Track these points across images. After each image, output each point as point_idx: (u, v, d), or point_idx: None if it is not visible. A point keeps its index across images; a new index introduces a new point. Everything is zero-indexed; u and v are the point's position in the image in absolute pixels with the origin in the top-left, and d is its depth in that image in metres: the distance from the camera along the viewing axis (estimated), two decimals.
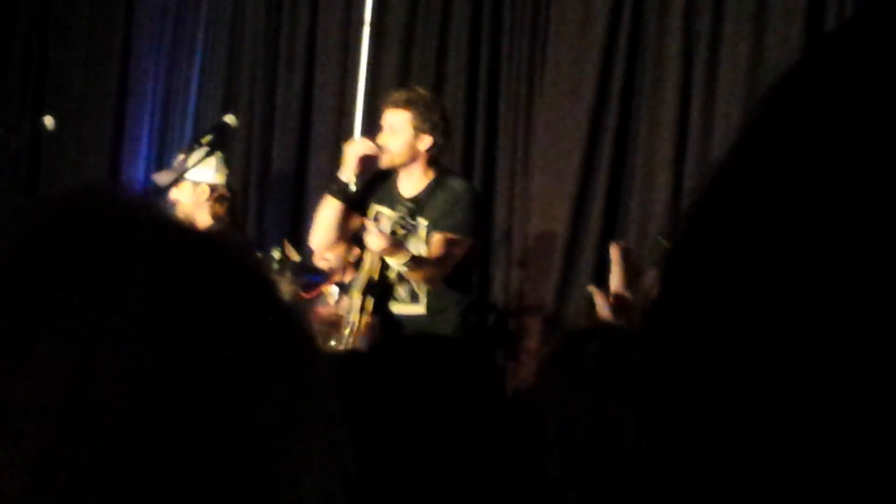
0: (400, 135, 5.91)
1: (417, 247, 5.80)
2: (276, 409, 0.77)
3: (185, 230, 0.82)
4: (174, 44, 8.93)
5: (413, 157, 5.94)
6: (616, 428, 2.27)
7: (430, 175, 5.96)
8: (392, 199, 6.00)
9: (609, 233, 6.98)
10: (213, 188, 6.56)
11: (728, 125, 6.61)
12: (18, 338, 0.73)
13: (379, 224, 5.69)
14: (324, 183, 7.84)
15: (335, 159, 7.92)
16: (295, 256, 6.71)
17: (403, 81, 7.75)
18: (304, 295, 6.63)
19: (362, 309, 5.95)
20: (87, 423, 0.72)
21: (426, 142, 5.90)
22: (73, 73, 9.29)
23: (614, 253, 4.77)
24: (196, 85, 8.73)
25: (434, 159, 5.98)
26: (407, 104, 5.95)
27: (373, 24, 7.97)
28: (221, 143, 6.53)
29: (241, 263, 0.82)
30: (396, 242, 5.65)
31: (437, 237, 5.81)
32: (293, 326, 0.82)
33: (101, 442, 0.72)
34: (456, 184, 6.00)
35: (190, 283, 0.78)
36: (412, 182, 5.99)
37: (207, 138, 6.41)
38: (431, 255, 5.83)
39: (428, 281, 5.88)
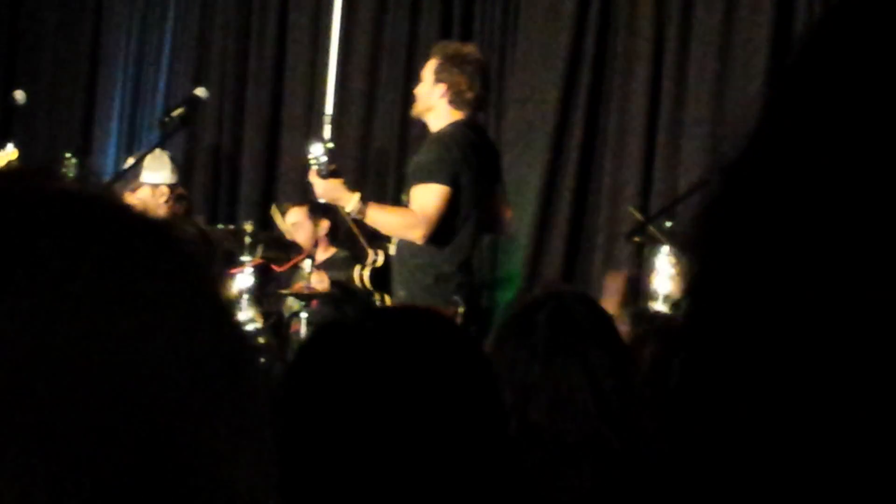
0: (423, 83, 5.76)
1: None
2: (208, 408, 0.75)
3: (131, 214, 0.80)
4: (145, 17, 8.89)
5: (429, 107, 5.74)
6: (571, 401, 2.26)
7: (442, 126, 5.69)
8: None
9: (581, 202, 7.00)
10: (172, 188, 6.55)
11: (699, 97, 6.63)
12: None
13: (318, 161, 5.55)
14: (294, 157, 7.85)
15: (307, 133, 7.92)
16: (280, 221, 6.68)
17: (375, 55, 7.75)
18: (276, 268, 6.63)
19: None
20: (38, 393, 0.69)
21: (439, 90, 5.66)
22: (44, 48, 9.24)
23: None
24: (167, 58, 8.70)
25: (457, 111, 5.67)
26: (434, 53, 5.78)
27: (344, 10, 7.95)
28: (192, 116, 6.52)
29: (183, 253, 0.80)
30: (333, 185, 5.56)
31: (411, 190, 5.63)
32: (226, 325, 0.80)
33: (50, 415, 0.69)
34: (442, 131, 5.68)
35: (131, 269, 0.75)
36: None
37: (178, 111, 6.40)
38: (394, 208, 5.76)
39: (396, 234, 5.69)
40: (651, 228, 5.96)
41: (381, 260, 5.97)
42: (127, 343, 0.71)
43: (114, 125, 8.81)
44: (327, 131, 7.45)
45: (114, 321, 0.71)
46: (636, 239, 6.21)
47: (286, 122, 8.13)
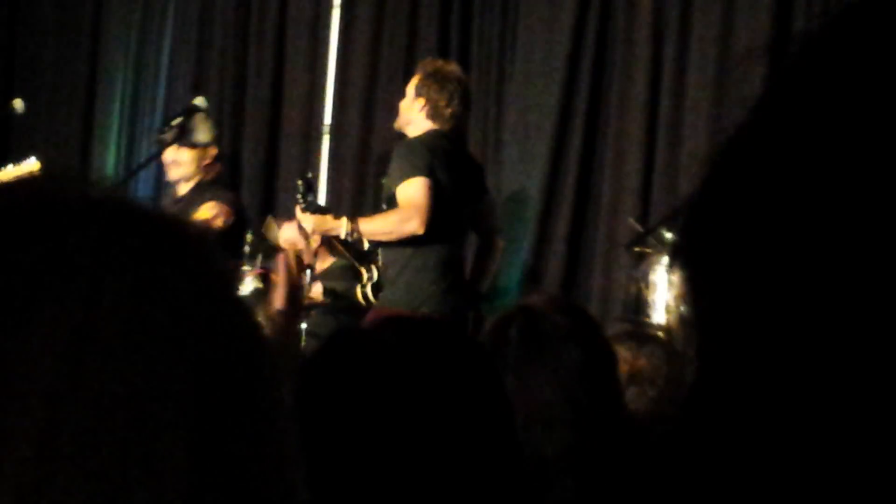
0: (406, 97, 5.99)
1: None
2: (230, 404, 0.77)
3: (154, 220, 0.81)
4: (144, 25, 8.88)
5: (409, 120, 5.96)
6: (546, 414, 2.25)
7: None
8: None
9: (580, 212, 6.99)
10: (213, 146, 6.61)
11: (698, 99, 6.62)
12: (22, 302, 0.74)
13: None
14: (294, 165, 7.84)
15: (305, 141, 7.92)
16: (274, 234, 6.68)
17: (373, 63, 7.74)
18: (276, 278, 6.61)
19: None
20: (86, 395, 0.73)
21: (419, 104, 5.88)
22: (43, 56, 9.23)
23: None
24: (166, 67, 8.70)
25: (434, 125, 5.87)
26: (417, 70, 6.06)
27: (343, 6, 7.95)
28: (191, 126, 6.53)
29: (203, 258, 0.82)
30: (321, 219, 5.75)
31: (396, 193, 5.75)
32: (243, 325, 0.81)
33: (99, 415, 0.73)
34: (411, 138, 5.91)
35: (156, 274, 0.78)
36: None
37: (177, 121, 6.43)
38: (383, 213, 5.86)
39: (395, 234, 5.74)
40: (651, 239, 5.95)
41: (375, 275, 6.07)
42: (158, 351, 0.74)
43: (112, 134, 8.80)
44: (326, 144, 7.48)
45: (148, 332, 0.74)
46: (636, 249, 6.20)
47: (285, 131, 8.12)
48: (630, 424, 2.44)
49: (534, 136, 7.13)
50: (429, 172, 5.67)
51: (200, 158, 6.48)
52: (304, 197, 5.78)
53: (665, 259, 5.84)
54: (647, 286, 6.06)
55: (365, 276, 6.13)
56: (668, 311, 5.81)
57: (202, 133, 6.47)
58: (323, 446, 1.60)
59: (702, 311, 0.69)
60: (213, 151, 6.59)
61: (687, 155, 6.66)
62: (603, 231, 6.92)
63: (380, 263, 5.99)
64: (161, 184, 8.25)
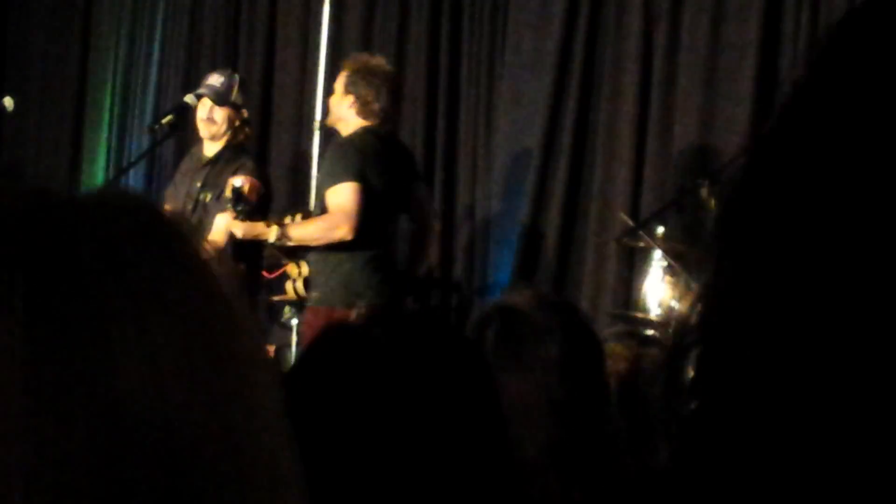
0: (335, 94, 6.05)
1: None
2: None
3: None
4: (134, 22, 8.87)
5: (339, 117, 6.03)
6: (526, 414, 2.23)
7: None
8: None
9: (571, 207, 6.99)
10: (245, 110, 6.62)
11: (688, 95, 6.63)
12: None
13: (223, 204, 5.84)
14: (285, 159, 7.84)
15: (297, 137, 7.91)
16: None
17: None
18: (267, 274, 6.61)
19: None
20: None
21: (348, 101, 5.95)
22: (33, 53, 9.22)
23: None
24: (156, 65, 8.69)
25: (364, 121, 5.95)
26: (344, 66, 6.10)
27: (332, 3, 7.94)
28: (182, 122, 6.52)
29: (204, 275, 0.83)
30: (249, 225, 5.82)
31: (325, 198, 5.85)
32: (238, 328, 0.82)
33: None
34: (341, 138, 6.02)
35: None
36: None
37: (168, 119, 6.41)
38: (312, 220, 5.96)
39: (324, 240, 5.84)
40: (641, 233, 5.95)
41: (305, 269, 6.21)
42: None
43: (103, 131, 8.79)
44: (317, 137, 7.47)
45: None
46: (627, 243, 6.21)
47: (276, 126, 8.11)
48: (614, 419, 2.43)
49: (525, 131, 7.13)
50: (359, 177, 5.74)
51: (232, 119, 6.45)
52: (234, 206, 5.83)
53: (657, 253, 5.85)
54: (638, 281, 6.07)
55: (295, 271, 6.25)
56: (660, 305, 5.81)
57: (237, 95, 6.48)
58: (314, 443, 1.60)
59: (728, 288, 0.69)
60: (245, 114, 6.57)
61: (677, 150, 6.67)
62: (594, 226, 6.92)
63: (309, 263, 6.10)
64: (152, 180, 8.25)
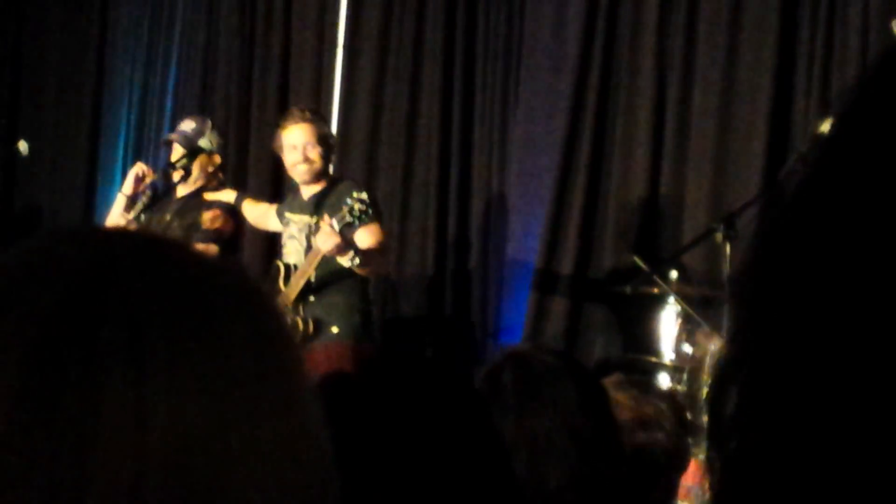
0: (314, 149, 6.13)
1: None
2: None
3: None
4: (147, 70, 8.91)
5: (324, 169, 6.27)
6: (550, 447, 2.28)
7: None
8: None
9: (585, 250, 6.98)
10: (217, 155, 6.62)
11: (702, 139, 6.63)
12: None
13: (331, 221, 5.73)
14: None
15: None
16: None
17: (378, 102, 7.77)
18: None
19: (301, 317, 6.03)
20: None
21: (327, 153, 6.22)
22: (47, 98, 9.26)
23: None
24: (170, 109, 8.72)
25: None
26: (309, 122, 6.18)
27: (346, 47, 7.98)
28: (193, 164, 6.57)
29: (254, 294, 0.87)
30: (347, 242, 5.72)
31: (373, 227, 5.91)
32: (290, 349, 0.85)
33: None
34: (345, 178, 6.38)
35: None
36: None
37: (182, 161, 6.46)
38: (374, 246, 5.95)
39: (377, 271, 6.11)
40: (656, 279, 5.93)
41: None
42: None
43: (117, 175, 8.81)
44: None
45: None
46: (640, 289, 6.19)
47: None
48: (625, 452, 2.48)
49: (537, 175, 7.14)
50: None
51: (205, 165, 6.53)
52: (357, 218, 5.80)
53: (670, 298, 5.84)
54: (652, 325, 6.05)
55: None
56: (674, 350, 5.80)
57: (209, 140, 6.53)
58: None
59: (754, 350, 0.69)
60: (217, 160, 6.62)
61: (690, 194, 6.66)
62: (607, 270, 6.91)
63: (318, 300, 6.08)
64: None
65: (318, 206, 6.09)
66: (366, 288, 6.12)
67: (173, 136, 6.63)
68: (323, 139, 6.14)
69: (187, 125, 6.60)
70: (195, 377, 0.79)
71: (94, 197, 8.97)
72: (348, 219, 5.69)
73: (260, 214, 6.59)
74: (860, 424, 0.63)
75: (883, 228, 0.64)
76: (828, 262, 0.65)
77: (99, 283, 0.79)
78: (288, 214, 6.26)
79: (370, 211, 5.72)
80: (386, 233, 6.16)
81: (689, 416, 3.69)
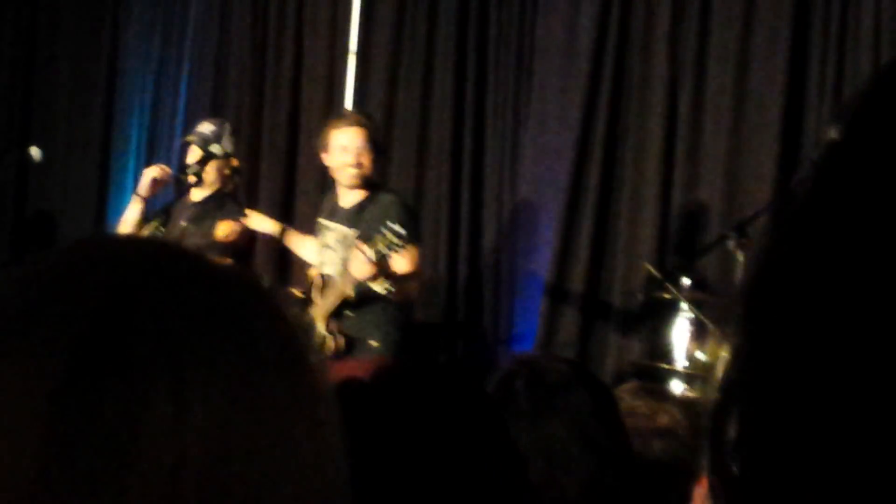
0: (367, 153, 6.08)
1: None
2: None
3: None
4: (159, 76, 8.92)
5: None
6: (566, 454, 2.28)
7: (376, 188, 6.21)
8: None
9: (597, 257, 6.98)
10: (234, 158, 6.61)
11: (714, 147, 6.62)
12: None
13: (366, 251, 5.68)
14: (313, 177, 7.84)
15: (322, 187, 7.93)
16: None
17: (390, 110, 7.77)
18: None
19: (331, 332, 5.97)
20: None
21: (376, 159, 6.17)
22: (59, 104, 9.28)
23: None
24: (182, 115, 8.73)
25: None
26: (362, 125, 6.15)
27: (358, 54, 7.98)
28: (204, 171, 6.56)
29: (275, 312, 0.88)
30: (381, 269, 5.67)
31: (410, 251, 5.84)
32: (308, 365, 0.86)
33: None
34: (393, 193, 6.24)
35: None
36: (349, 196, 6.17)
37: (194, 168, 6.45)
38: (408, 271, 5.93)
39: (408, 296, 6.03)
40: (668, 285, 5.93)
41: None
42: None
43: (129, 182, 8.81)
44: None
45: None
46: (653, 296, 6.19)
47: (300, 178, 8.13)
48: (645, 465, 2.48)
49: (549, 183, 7.14)
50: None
51: (221, 168, 6.50)
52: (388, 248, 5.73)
53: (683, 305, 5.83)
54: (664, 332, 6.05)
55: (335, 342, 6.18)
56: (687, 357, 5.79)
57: (224, 145, 6.50)
58: None
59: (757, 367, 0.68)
60: (234, 163, 6.60)
61: (703, 201, 6.65)
62: (619, 278, 6.91)
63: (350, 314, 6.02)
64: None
65: (357, 217, 6.04)
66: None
67: (191, 137, 6.59)
68: (376, 145, 6.10)
69: (206, 128, 6.57)
70: (230, 391, 0.80)
71: (105, 202, 8.98)
72: (383, 251, 5.62)
73: (302, 246, 6.53)
74: (869, 446, 0.63)
75: (889, 241, 0.63)
76: (831, 278, 0.65)
77: (133, 296, 0.80)
78: (325, 223, 6.20)
79: (404, 242, 5.61)
80: (420, 256, 6.11)
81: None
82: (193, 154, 6.51)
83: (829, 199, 0.67)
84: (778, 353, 0.67)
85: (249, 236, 6.53)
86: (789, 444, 0.66)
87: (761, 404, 0.68)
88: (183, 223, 6.41)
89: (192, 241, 6.20)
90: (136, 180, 8.71)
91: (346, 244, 5.97)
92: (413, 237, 5.77)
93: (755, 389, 0.69)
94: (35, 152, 7.33)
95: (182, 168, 6.62)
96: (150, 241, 0.88)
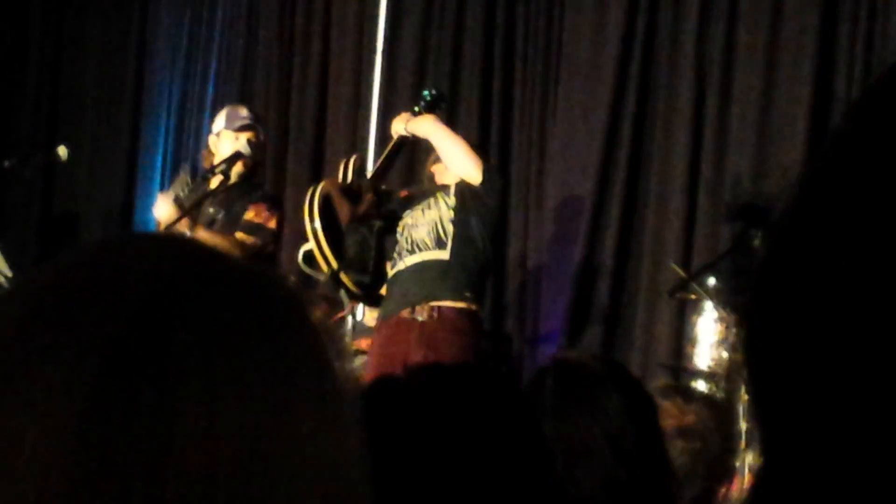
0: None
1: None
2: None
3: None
4: (187, 75, 8.95)
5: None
6: (585, 451, 2.29)
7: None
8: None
9: (623, 259, 6.97)
10: (253, 129, 6.53)
11: (741, 146, 6.60)
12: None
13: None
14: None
15: (349, 154, 7.98)
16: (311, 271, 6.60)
17: (419, 75, 7.77)
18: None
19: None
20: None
21: None
22: (87, 104, 9.32)
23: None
24: (208, 115, 8.74)
25: None
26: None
27: (385, 50, 7.99)
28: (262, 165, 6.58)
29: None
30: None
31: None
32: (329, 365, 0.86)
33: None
34: None
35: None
36: None
37: (221, 167, 6.44)
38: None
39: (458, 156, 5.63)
40: (694, 285, 5.92)
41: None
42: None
43: (155, 182, 8.85)
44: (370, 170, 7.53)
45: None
46: (679, 295, 6.18)
47: (330, 141, 8.15)
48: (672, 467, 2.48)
49: (577, 178, 7.13)
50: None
51: (245, 163, 6.46)
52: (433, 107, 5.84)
53: (708, 304, 5.82)
54: (690, 332, 6.04)
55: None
56: (712, 357, 5.78)
57: (247, 142, 6.48)
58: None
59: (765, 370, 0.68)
60: (257, 157, 6.55)
61: (729, 199, 6.64)
62: (645, 277, 6.90)
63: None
64: None
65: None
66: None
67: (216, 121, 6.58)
68: None
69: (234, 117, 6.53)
70: (262, 394, 0.80)
71: (132, 202, 9.01)
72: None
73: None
74: (872, 437, 0.63)
75: (889, 233, 0.63)
76: (830, 268, 0.65)
77: (168, 298, 0.80)
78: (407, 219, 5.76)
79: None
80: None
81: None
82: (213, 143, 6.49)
83: (833, 188, 0.67)
84: (783, 343, 0.67)
85: (276, 236, 6.45)
86: (794, 435, 0.66)
87: (763, 393, 0.69)
88: (210, 209, 6.38)
89: (219, 226, 6.21)
90: (162, 180, 8.76)
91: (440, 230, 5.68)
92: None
93: (758, 379, 0.69)
94: (62, 152, 7.34)
95: (211, 168, 6.61)
96: (184, 242, 0.88)
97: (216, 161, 6.46)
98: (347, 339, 6.41)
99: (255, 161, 6.52)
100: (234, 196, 6.39)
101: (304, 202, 5.75)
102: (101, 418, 0.76)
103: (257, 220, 6.26)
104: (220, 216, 6.32)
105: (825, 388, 0.64)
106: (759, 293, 0.69)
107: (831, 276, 0.64)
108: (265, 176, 6.95)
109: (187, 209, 6.38)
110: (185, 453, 0.76)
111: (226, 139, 6.43)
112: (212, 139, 6.54)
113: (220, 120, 6.51)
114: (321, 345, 0.86)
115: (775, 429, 0.68)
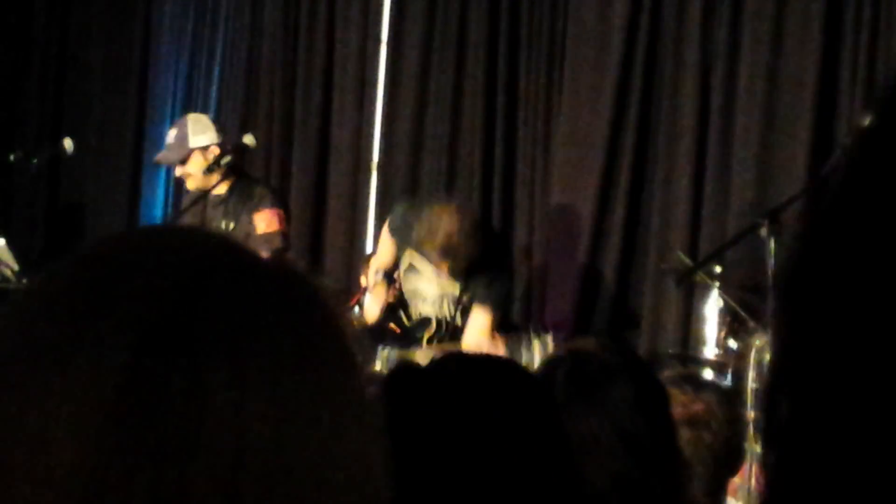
0: None
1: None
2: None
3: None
4: (192, 67, 8.94)
5: None
6: (595, 445, 2.28)
7: None
8: None
9: (629, 248, 6.97)
10: (221, 146, 6.48)
11: (746, 141, 6.60)
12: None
13: None
14: (342, 201, 7.86)
15: (353, 178, 7.94)
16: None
17: (421, 100, 7.75)
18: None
19: None
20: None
21: None
22: (92, 97, 9.31)
23: None
24: (214, 107, 8.74)
25: None
26: None
27: (389, 44, 7.98)
28: (240, 163, 6.55)
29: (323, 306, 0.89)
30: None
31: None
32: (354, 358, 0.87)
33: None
34: None
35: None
36: None
37: (226, 159, 6.44)
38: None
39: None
40: (700, 273, 5.92)
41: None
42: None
43: (161, 174, 8.84)
44: (374, 178, 7.51)
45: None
46: (685, 283, 6.18)
47: (333, 167, 8.13)
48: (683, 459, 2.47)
49: (582, 172, 7.12)
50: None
51: (203, 161, 6.40)
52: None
53: (715, 293, 5.82)
54: (697, 320, 6.04)
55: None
56: (718, 345, 5.78)
57: (194, 138, 6.43)
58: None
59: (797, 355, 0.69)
60: (215, 151, 6.49)
61: (735, 188, 6.63)
62: (652, 265, 6.89)
63: None
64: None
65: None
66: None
67: (159, 159, 6.58)
68: None
69: (169, 137, 6.51)
70: (289, 381, 0.81)
71: (138, 196, 9.00)
72: None
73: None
74: None
75: None
76: (872, 262, 0.64)
77: (198, 286, 0.81)
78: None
79: None
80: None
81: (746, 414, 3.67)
82: (179, 169, 6.46)
83: (863, 186, 0.67)
84: (819, 339, 0.67)
85: (285, 238, 6.42)
86: (834, 429, 0.66)
87: (805, 389, 0.68)
88: (223, 223, 6.31)
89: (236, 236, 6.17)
90: (168, 174, 8.75)
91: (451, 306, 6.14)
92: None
93: (799, 374, 0.69)
94: (68, 144, 7.35)
95: (216, 159, 6.57)
96: (213, 234, 0.89)
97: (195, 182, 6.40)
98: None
99: (226, 153, 6.44)
100: (236, 202, 6.35)
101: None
102: (133, 398, 0.77)
103: (269, 231, 6.24)
104: (233, 227, 6.27)
105: (860, 394, 0.65)
106: (791, 295, 0.69)
107: (866, 278, 0.65)
108: (242, 163, 6.88)
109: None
110: (213, 437, 0.77)
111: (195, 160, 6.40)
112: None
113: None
114: (344, 337, 0.86)
115: (809, 434, 0.68)
